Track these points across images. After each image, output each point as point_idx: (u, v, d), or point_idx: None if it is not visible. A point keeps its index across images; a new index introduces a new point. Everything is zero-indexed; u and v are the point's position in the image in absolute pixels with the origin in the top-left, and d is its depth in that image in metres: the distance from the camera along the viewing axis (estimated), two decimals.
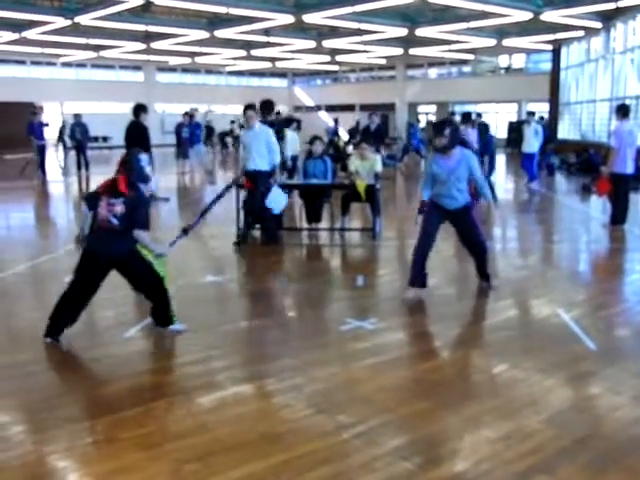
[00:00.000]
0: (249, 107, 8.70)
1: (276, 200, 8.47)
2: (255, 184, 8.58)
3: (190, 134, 19.02)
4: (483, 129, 14.57)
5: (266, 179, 8.59)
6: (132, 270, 4.93)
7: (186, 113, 19.67)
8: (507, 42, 26.57)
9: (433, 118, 38.18)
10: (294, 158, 12.60)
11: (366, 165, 9.45)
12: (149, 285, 4.98)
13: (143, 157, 4.93)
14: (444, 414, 3.79)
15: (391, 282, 7.15)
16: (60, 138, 25.59)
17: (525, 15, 19.68)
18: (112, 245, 4.78)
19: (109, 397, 4.10)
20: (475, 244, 6.37)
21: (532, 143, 15.44)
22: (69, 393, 4.22)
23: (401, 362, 4.71)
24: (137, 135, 9.44)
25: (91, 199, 4.90)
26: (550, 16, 19.78)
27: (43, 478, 3.22)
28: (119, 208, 4.73)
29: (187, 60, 34.20)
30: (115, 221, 4.73)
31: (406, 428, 3.64)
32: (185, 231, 6.62)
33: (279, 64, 36.58)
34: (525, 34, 25.40)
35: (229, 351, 4.87)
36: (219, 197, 7.74)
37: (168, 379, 4.45)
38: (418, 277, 6.18)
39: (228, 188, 8.48)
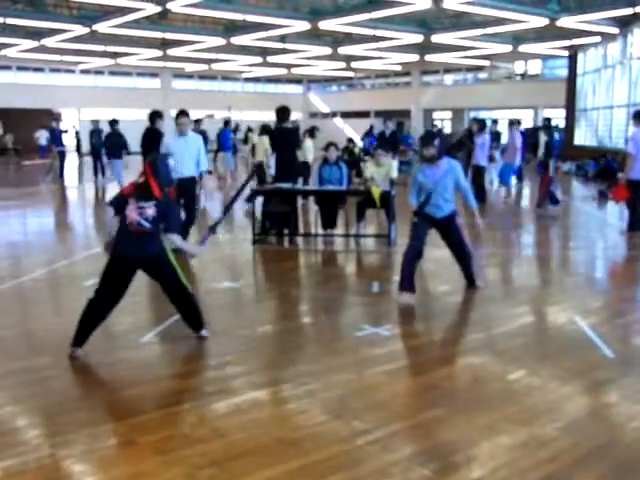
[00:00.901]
0: (182, 113, 8.55)
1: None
2: (185, 189, 8.45)
3: (220, 141, 19.63)
4: (551, 130, 14.86)
5: (195, 185, 8.71)
6: (160, 272, 4.93)
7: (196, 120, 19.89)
8: (523, 48, 26.49)
9: (447, 126, 38.15)
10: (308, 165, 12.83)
11: (382, 171, 9.46)
12: (175, 288, 4.97)
13: (170, 161, 4.95)
14: (460, 421, 3.78)
15: None
16: (77, 145, 25.93)
17: (541, 21, 19.61)
18: (142, 246, 4.75)
19: (126, 401, 4.13)
20: (461, 251, 6.59)
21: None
22: (86, 397, 4.25)
23: (417, 369, 4.71)
24: (153, 141, 9.50)
25: (118, 203, 4.84)
26: (567, 22, 19.70)
27: None
28: (150, 211, 4.70)
29: (204, 67, 34.40)
30: (147, 224, 4.71)
31: (422, 435, 3.64)
32: (212, 229, 6.61)
33: (295, 70, 36.71)
34: (541, 40, 25.33)
35: (245, 357, 4.88)
36: (238, 194, 7.64)
37: (185, 384, 4.46)
38: (409, 281, 6.21)
39: (248, 181, 8.47)
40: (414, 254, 6.28)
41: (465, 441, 3.54)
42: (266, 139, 12.44)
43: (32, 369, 4.61)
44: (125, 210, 4.75)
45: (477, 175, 13.58)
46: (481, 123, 14.50)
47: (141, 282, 7.72)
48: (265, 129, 12.94)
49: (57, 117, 20.38)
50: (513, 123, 14.96)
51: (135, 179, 4.95)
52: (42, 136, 28.34)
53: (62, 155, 19.47)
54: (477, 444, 3.50)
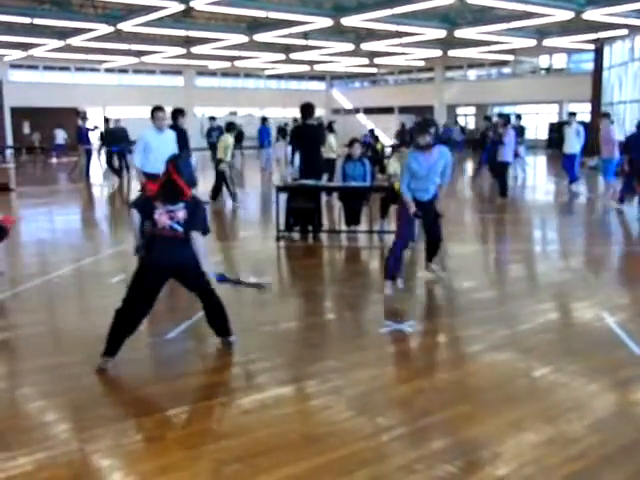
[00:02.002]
0: (158, 108, 8.43)
1: None
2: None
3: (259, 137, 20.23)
4: None
5: None
6: (192, 278, 4.70)
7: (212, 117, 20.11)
8: (548, 42, 26.23)
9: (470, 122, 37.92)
10: (332, 161, 12.84)
11: None
12: (207, 294, 4.81)
13: (192, 161, 4.87)
14: (485, 417, 3.76)
15: (430, 285, 7.13)
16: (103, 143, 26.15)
17: (567, 14, 19.41)
18: (176, 252, 4.51)
19: (152, 397, 4.17)
20: (436, 234, 6.78)
21: (573, 144, 15.20)
22: (113, 393, 4.30)
23: (440, 365, 4.69)
24: (177, 139, 9.57)
25: (144, 206, 4.58)
26: (592, 15, 19.47)
27: (88, 476, 3.28)
28: (181, 214, 4.47)
29: (227, 64, 34.53)
30: (179, 228, 4.48)
31: (446, 431, 3.62)
32: (234, 281, 5.26)
33: (317, 67, 36.70)
34: (566, 34, 25.06)
35: (270, 353, 4.90)
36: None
37: (210, 380, 4.50)
38: (398, 269, 6.45)
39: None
40: (405, 244, 6.50)
41: (490, 438, 3.53)
42: (230, 136, 12.61)
43: (60, 365, 4.67)
44: (153, 215, 4.49)
45: (502, 170, 13.49)
46: (505, 118, 14.38)
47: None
48: (230, 126, 12.94)
49: (83, 115, 20.47)
50: (606, 115, 13.92)
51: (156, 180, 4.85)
52: (58, 135, 28.64)
53: (88, 153, 19.66)
54: (503, 441, 3.48)
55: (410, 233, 6.56)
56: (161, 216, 4.47)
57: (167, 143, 8.49)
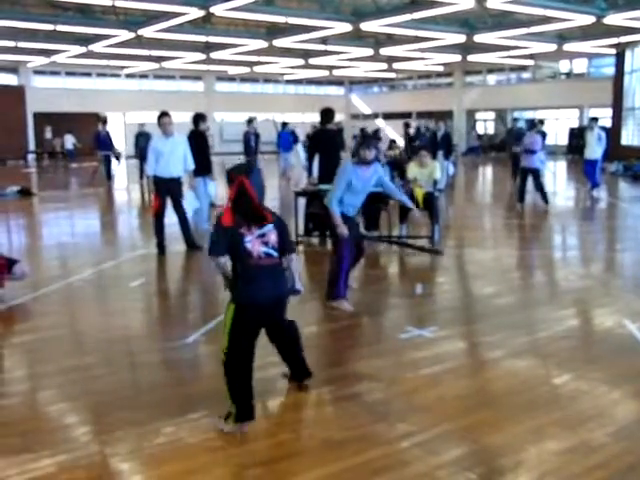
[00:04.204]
0: (163, 114, 8.71)
1: (190, 203, 9.15)
2: (173, 190, 8.79)
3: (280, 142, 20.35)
4: None
5: (181, 185, 8.95)
6: (284, 309, 4.12)
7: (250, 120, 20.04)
8: (568, 47, 26.02)
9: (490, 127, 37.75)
10: None
11: (425, 172, 9.39)
12: (293, 324, 4.34)
13: (260, 173, 4.01)
14: (506, 425, 3.74)
15: (450, 290, 7.11)
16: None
17: (588, 19, 19.24)
18: (278, 282, 3.88)
19: (174, 400, 4.18)
20: (362, 248, 6.65)
21: (595, 149, 15.08)
22: (134, 396, 4.31)
23: (461, 371, 4.67)
24: (198, 143, 9.66)
25: (228, 240, 3.74)
26: (614, 19, 19.27)
27: (108, 479, 3.30)
28: (273, 236, 3.78)
29: (246, 69, 34.66)
30: (275, 253, 3.80)
31: (467, 438, 3.61)
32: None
33: (336, 72, 36.73)
34: (587, 38, 24.84)
35: None
36: None
37: None
38: (344, 288, 6.16)
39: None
40: (350, 262, 6.24)
41: (512, 445, 3.50)
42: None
43: (82, 367, 4.72)
44: (242, 244, 3.71)
45: (531, 178, 13.25)
46: (530, 123, 14.25)
47: (186, 282, 7.85)
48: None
49: (104, 120, 20.55)
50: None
51: (222, 204, 4.15)
52: (68, 141, 28.87)
53: (107, 159, 19.64)
54: (524, 449, 3.46)
55: (351, 251, 6.21)
56: (254, 244, 3.72)
57: (176, 148, 8.69)
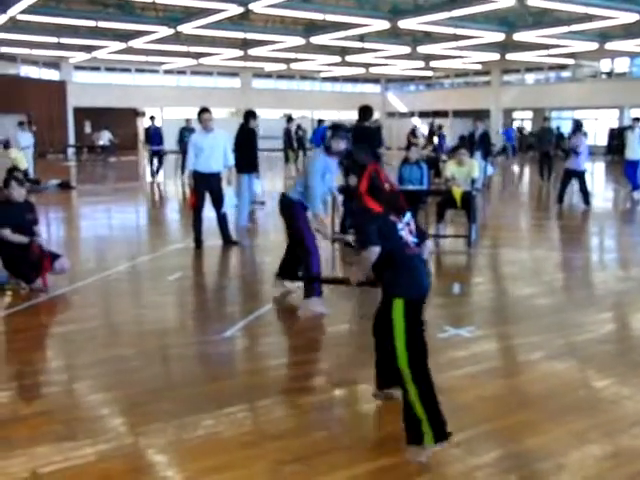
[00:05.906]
0: (204, 110, 8.75)
1: (229, 200, 9.02)
2: (214, 184, 8.78)
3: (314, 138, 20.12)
4: None
5: (220, 180, 8.92)
6: None
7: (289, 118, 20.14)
8: (610, 45, 25.58)
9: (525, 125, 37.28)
10: None
11: (463, 171, 9.31)
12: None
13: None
14: (546, 427, 3.67)
15: (487, 290, 7.04)
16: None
17: (631, 17, 18.90)
18: (428, 273, 3.61)
19: (210, 394, 4.19)
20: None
21: (636, 150, 14.78)
22: (170, 389, 4.33)
23: (500, 372, 4.61)
24: (247, 140, 9.76)
25: (384, 229, 3.38)
26: None
27: (144, 470, 3.32)
28: (412, 224, 3.51)
29: (282, 66, 34.76)
30: (417, 241, 3.53)
31: (507, 439, 3.55)
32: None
33: (373, 70, 36.62)
34: (630, 37, 24.38)
35: (326, 355, 4.90)
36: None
37: (267, 380, 4.50)
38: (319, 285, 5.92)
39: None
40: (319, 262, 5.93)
41: (552, 448, 3.44)
42: None
43: (118, 359, 4.76)
44: (397, 233, 3.40)
45: (576, 180, 13.03)
46: (576, 124, 14.03)
47: (223, 276, 7.89)
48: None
49: (153, 116, 20.60)
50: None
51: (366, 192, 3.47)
52: (104, 136, 29.18)
53: (156, 154, 19.50)
54: (565, 452, 3.39)
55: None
56: (407, 235, 3.44)
57: (216, 143, 8.73)
